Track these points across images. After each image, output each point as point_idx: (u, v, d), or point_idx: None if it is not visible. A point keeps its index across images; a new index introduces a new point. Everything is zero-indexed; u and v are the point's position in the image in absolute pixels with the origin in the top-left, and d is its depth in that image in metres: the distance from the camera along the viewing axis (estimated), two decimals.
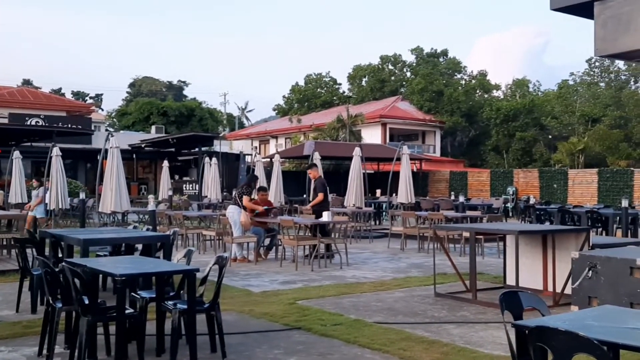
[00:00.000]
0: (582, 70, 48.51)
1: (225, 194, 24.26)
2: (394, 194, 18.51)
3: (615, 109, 40.76)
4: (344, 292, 8.39)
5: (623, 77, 46.05)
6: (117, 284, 4.78)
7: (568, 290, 6.99)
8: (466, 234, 11.54)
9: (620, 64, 42.48)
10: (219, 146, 34.04)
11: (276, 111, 62.07)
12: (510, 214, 25.59)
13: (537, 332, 2.82)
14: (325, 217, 11.15)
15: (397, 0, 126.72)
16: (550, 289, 7.99)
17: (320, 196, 12.27)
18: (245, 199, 11.44)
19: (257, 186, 12.32)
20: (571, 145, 37.43)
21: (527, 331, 2.91)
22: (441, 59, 51.92)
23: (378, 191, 25.30)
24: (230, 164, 32.07)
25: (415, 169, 33.25)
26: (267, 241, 11.90)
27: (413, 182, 17.38)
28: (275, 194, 18.25)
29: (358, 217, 16.45)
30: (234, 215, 11.36)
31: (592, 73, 46.98)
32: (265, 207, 11.88)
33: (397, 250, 13.44)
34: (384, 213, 21.83)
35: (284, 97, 60.10)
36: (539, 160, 41.18)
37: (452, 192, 29.20)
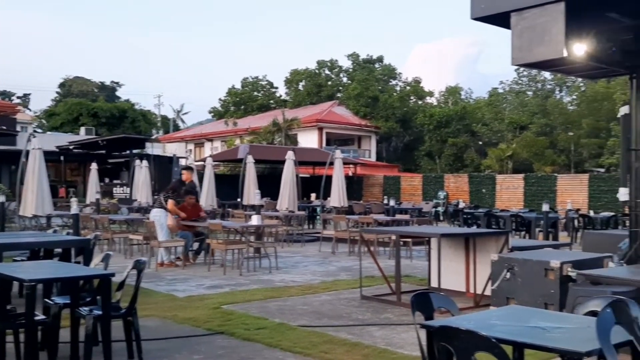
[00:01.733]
0: (511, 79, 50.33)
1: (156, 197, 23.78)
2: (327, 198, 18.61)
3: (541, 117, 42.38)
4: (271, 296, 8.35)
5: (549, 87, 47.95)
6: (26, 289, 4.59)
7: (488, 292, 7.18)
8: (394, 237, 11.69)
9: (546, 73, 44.21)
10: (152, 149, 33.37)
11: (212, 114, 61.37)
12: (441, 218, 26.15)
13: (440, 331, 2.88)
14: (255, 220, 11.09)
15: (335, 6, 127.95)
16: (472, 290, 8.19)
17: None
18: (170, 203, 11.23)
19: (184, 190, 12.11)
20: (500, 152, 38.73)
21: (431, 331, 2.96)
22: (377, 65, 52.68)
23: (313, 195, 25.33)
24: (163, 167, 31.44)
25: (350, 174, 33.56)
26: (195, 245, 11.72)
27: (348, 186, 17.50)
28: (207, 198, 18.06)
29: (291, 221, 16.44)
30: (160, 218, 11.14)
31: (520, 82, 48.69)
32: (194, 219, 11.64)
33: (328, 253, 13.50)
34: (317, 217, 21.91)
35: (220, 100, 59.63)
36: (470, 166, 42.33)
37: (385, 196, 29.59)
